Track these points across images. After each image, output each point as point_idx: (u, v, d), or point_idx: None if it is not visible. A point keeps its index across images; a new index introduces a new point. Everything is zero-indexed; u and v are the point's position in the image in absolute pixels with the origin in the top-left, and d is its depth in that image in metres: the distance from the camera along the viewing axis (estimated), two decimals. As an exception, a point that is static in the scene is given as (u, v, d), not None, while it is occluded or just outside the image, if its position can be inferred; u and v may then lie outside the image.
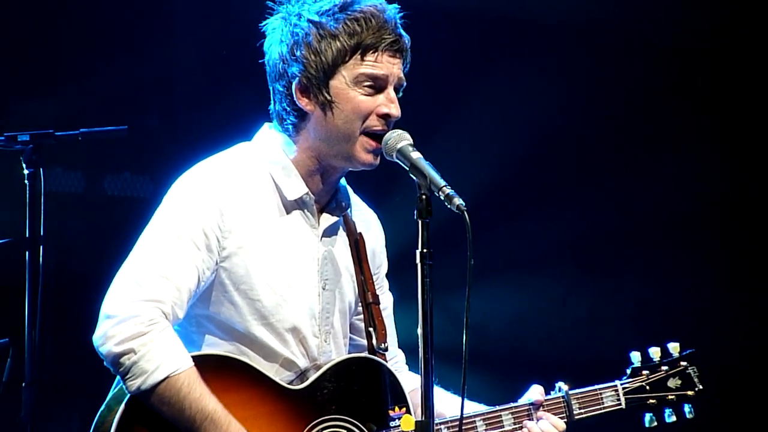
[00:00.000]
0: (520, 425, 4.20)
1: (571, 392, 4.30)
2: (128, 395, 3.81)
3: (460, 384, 3.65)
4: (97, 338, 3.81)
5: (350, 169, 4.06)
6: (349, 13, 3.94)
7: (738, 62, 6.96)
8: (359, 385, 4.06)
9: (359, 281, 4.20)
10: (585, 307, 7.14)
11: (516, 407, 4.22)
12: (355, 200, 4.26)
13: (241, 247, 3.96)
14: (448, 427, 4.09)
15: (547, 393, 4.28)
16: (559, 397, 4.28)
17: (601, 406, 4.33)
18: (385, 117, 3.96)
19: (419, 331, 3.56)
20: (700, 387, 4.40)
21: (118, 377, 3.85)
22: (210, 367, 3.88)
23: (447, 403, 4.18)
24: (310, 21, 3.96)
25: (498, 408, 4.20)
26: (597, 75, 7.03)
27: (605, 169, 7.10)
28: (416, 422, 3.58)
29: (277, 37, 4.02)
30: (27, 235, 5.17)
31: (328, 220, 4.12)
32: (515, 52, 7.08)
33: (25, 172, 5.21)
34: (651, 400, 4.37)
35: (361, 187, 4.31)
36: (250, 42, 4.16)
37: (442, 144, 6.90)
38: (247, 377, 3.94)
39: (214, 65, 6.89)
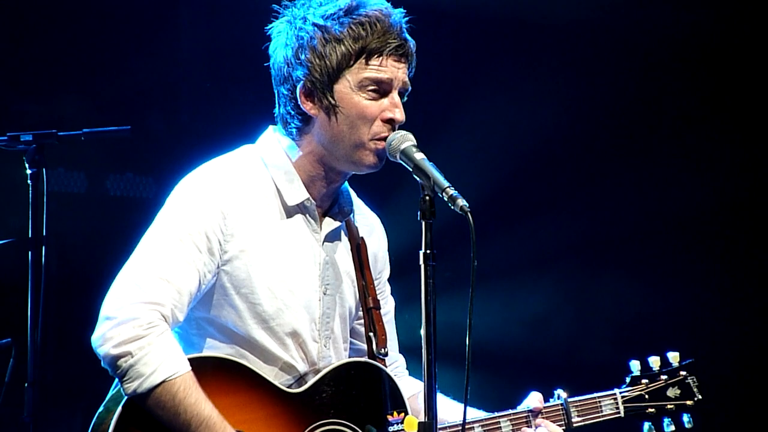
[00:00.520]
0: (519, 432, 4.21)
1: (569, 400, 4.29)
2: (126, 397, 3.80)
3: (460, 388, 3.66)
4: (95, 339, 3.81)
5: (354, 172, 4.05)
6: (354, 17, 3.94)
7: (743, 62, 6.95)
8: (358, 390, 4.06)
9: (360, 286, 4.20)
10: (585, 313, 7.13)
11: (514, 414, 4.22)
12: (358, 204, 4.25)
13: (243, 250, 3.95)
14: (447, 433, 4.10)
15: (545, 400, 4.28)
16: (557, 405, 4.28)
17: (600, 414, 4.33)
18: (389, 122, 3.96)
19: (422, 332, 3.56)
20: (700, 397, 4.40)
21: (116, 378, 3.85)
22: (209, 370, 3.88)
23: (446, 408, 4.18)
24: (315, 25, 3.96)
25: (497, 414, 4.20)
26: (603, 76, 7.03)
27: (609, 172, 7.10)
28: (419, 423, 3.58)
29: (282, 41, 4.01)
30: (29, 235, 5.17)
31: (330, 224, 4.12)
32: (520, 53, 7.08)
33: (28, 172, 5.21)
34: (650, 409, 4.36)
35: (363, 188, 4.31)
36: (255, 44, 4.16)
37: (445, 145, 6.90)
38: (246, 380, 3.94)
39: (219, 67, 6.89)
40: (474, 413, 4.18)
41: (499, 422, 4.19)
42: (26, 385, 5.10)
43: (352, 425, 4.03)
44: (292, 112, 4.02)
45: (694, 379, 4.40)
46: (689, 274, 7.02)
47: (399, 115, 3.97)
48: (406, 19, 4.00)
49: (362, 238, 4.21)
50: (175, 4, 6.91)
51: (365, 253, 4.20)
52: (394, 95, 3.97)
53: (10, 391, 5.48)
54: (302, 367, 4.05)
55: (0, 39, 6.63)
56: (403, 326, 4.38)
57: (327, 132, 3.99)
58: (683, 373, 4.41)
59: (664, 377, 4.39)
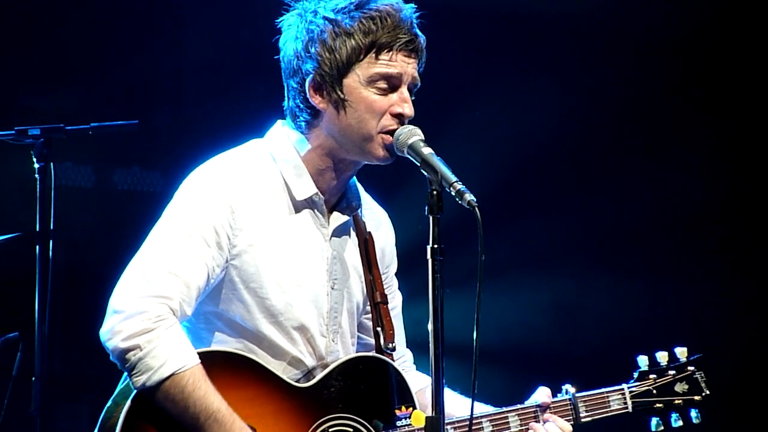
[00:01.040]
0: (527, 427, 4.20)
1: (578, 395, 4.29)
2: (134, 391, 3.81)
3: (468, 383, 3.65)
4: (104, 333, 3.81)
5: (366, 162, 4.04)
6: (365, 11, 3.93)
7: (742, 61, 6.94)
8: (366, 384, 4.06)
9: (368, 281, 4.19)
10: (592, 308, 7.13)
11: (523, 409, 4.22)
12: (366, 199, 4.25)
13: (251, 245, 3.95)
14: (456, 428, 4.09)
15: (553, 395, 4.27)
16: (565, 400, 4.28)
17: (608, 409, 4.32)
18: (398, 117, 3.95)
19: (430, 326, 3.56)
20: (708, 392, 4.39)
21: (125, 372, 3.85)
22: (217, 364, 3.88)
23: (454, 403, 4.17)
24: (325, 18, 3.95)
25: (505, 409, 4.20)
26: (608, 74, 7.03)
27: (618, 168, 7.09)
28: (426, 418, 3.58)
29: (292, 34, 4.01)
30: (37, 230, 5.16)
31: (338, 219, 4.12)
32: (527, 51, 7.08)
33: (36, 166, 5.21)
34: (658, 405, 4.36)
35: (370, 183, 4.30)
36: (262, 38, 4.16)
37: (453, 140, 6.89)
38: (254, 375, 3.94)
39: (226, 60, 6.89)
40: (482, 408, 4.18)
41: (507, 417, 4.19)
42: (33, 379, 5.10)
43: (360, 420, 4.03)
44: (301, 106, 4.02)
45: (702, 375, 4.39)
46: (695, 271, 7.02)
47: (408, 110, 3.96)
48: (417, 14, 3.99)
49: (370, 232, 4.21)
50: (182, -1, 6.92)
51: (373, 248, 4.20)
52: (404, 90, 3.97)
53: (17, 385, 5.48)
54: (310, 361, 4.05)
55: (8, 33, 6.64)
56: (410, 321, 4.38)
57: (336, 125, 3.98)
58: (691, 368, 4.40)
59: (672, 372, 4.39)
